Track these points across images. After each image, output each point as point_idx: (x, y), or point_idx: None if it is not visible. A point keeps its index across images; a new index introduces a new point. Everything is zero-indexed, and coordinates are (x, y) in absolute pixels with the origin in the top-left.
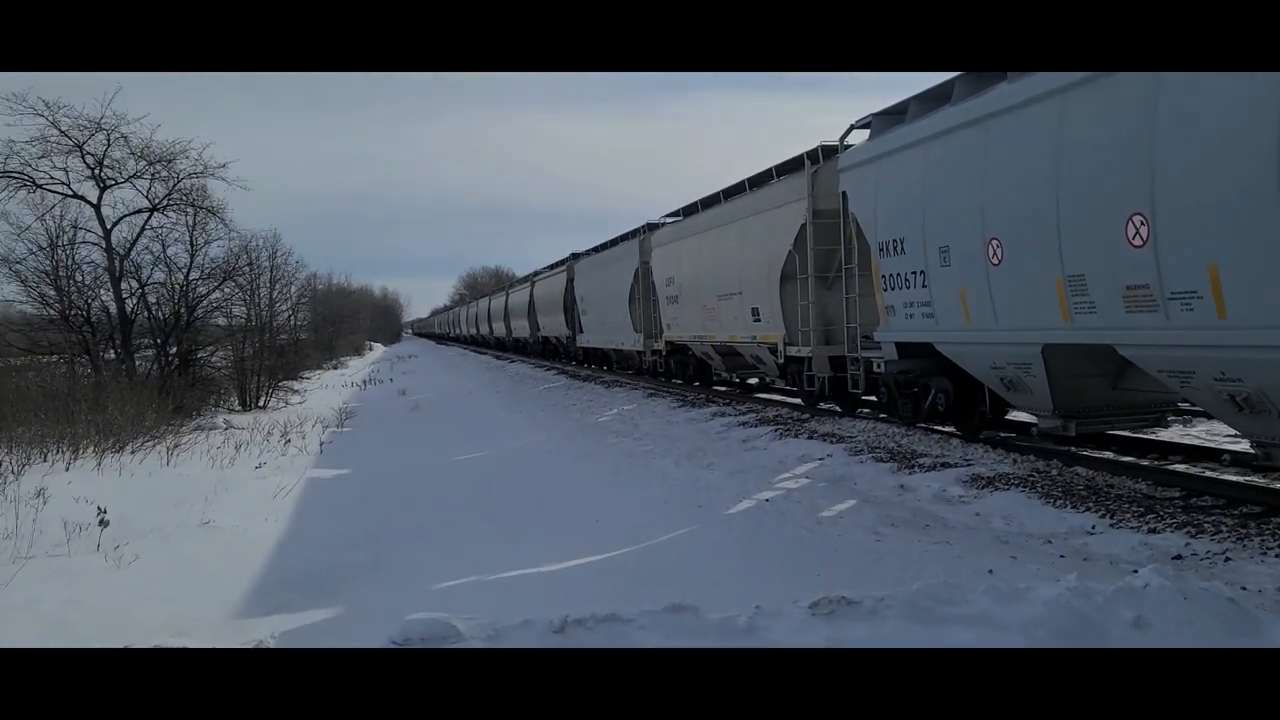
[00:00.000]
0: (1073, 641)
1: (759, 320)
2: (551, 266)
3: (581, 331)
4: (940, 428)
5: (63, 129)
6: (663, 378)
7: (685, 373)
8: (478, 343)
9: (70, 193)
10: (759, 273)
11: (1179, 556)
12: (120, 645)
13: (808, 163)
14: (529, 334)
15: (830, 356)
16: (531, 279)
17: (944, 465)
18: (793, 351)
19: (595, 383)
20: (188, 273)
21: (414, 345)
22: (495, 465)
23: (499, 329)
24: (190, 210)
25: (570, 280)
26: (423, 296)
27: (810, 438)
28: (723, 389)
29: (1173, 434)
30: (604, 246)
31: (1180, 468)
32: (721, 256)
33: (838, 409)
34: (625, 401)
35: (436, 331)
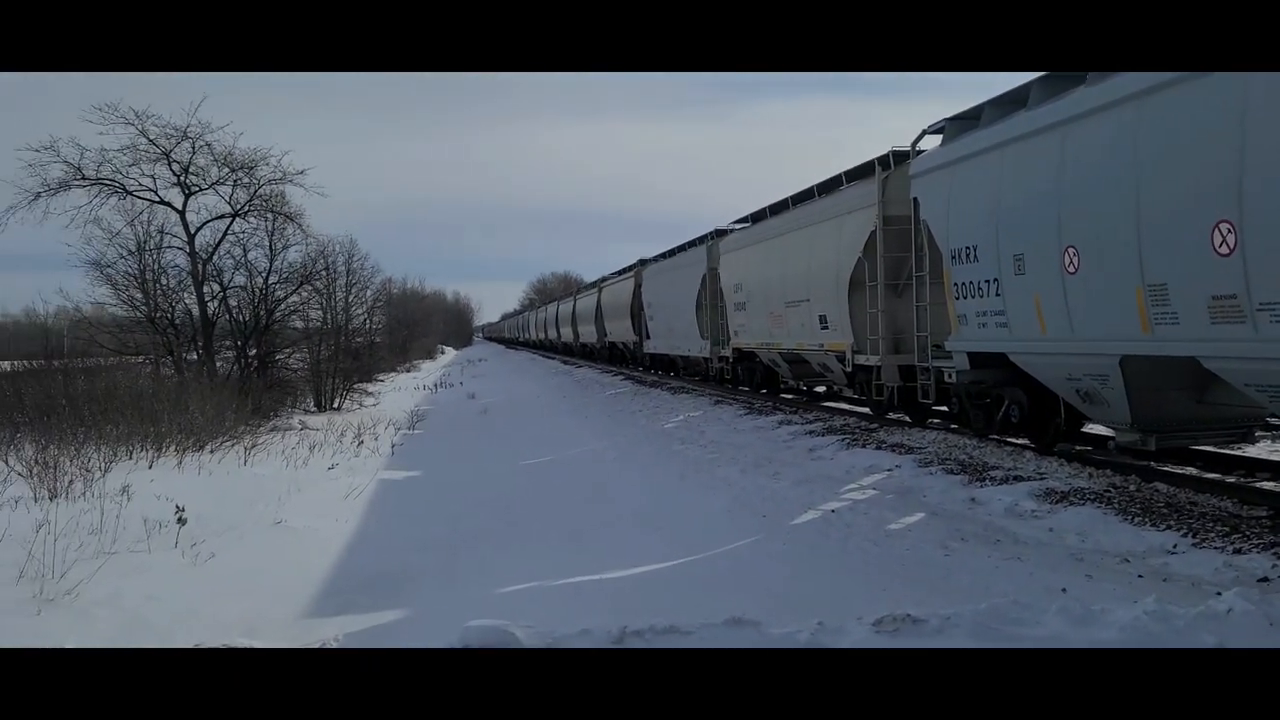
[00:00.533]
0: None
1: (827, 328)
2: (619, 272)
3: (648, 337)
4: (1013, 440)
5: (151, 138)
6: (729, 385)
7: (752, 380)
8: (545, 347)
9: (157, 199)
10: (827, 279)
11: (1265, 579)
12: (193, 643)
13: (878, 168)
14: (596, 339)
15: (899, 365)
16: (599, 285)
17: (1016, 479)
18: (861, 360)
19: (661, 389)
20: (267, 277)
21: (484, 349)
22: (561, 470)
23: (566, 334)
24: (269, 216)
25: (638, 286)
26: (493, 301)
27: (878, 448)
28: (790, 397)
29: (1260, 450)
30: (672, 253)
31: (1268, 485)
32: (790, 263)
33: (907, 419)
34: (691, 408)
35: (506, 336)
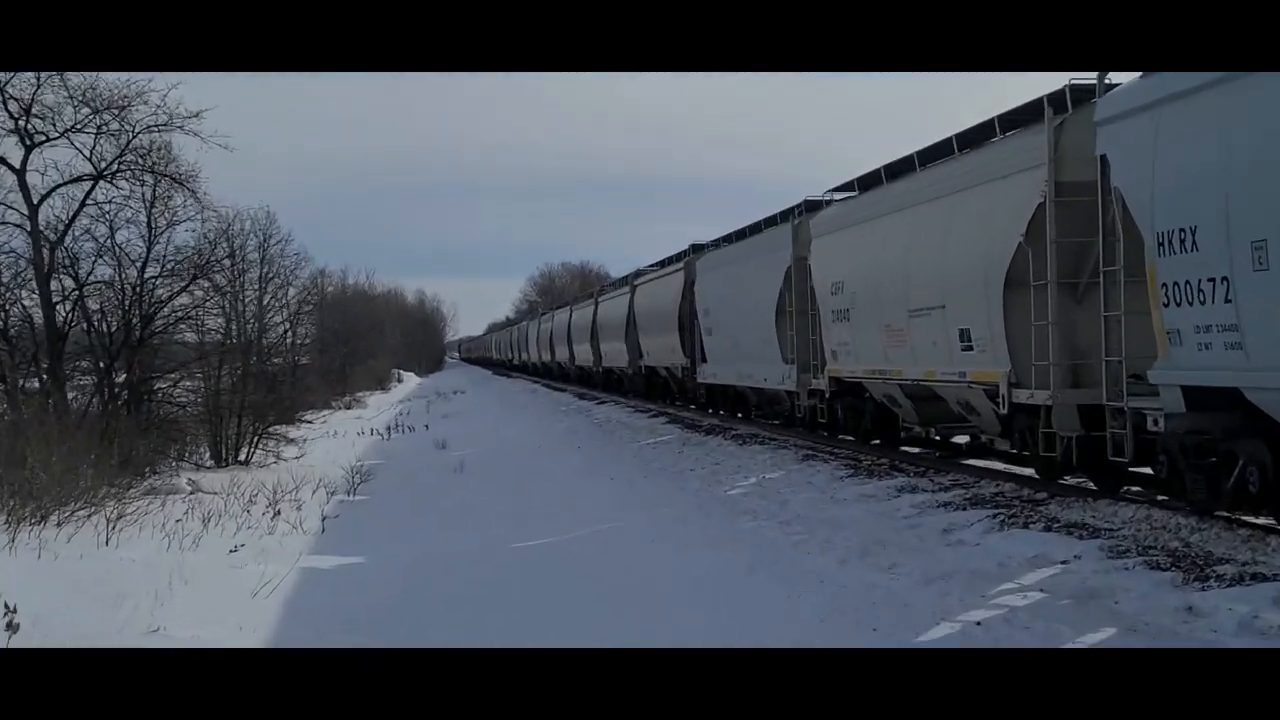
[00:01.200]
0: None
1: (970, 348)
2: (661, 264)
3: (704, 360)
4: (1252, 518)
5: None
6: (825, 431)
7: (859, 424)
8: (551, 374)
9: None
10: (970, 276)
11: None
12: None
13: (1049, 110)
14: (626, 362)
15: (1080, 406)
16: (631, 282)
17: (1256, 577)
18: (1022, 397)
19: (723, 435)
20: (143, 267)
21: (461, 375)
22: (571, 560)
23: (582, 354)
24: (149, 179)
25: (688, 284)
26: (476, 305)
27: (1048, 529)
28: (914, 451)
29: None
30: (741, 234)
31: None
32: (914, 251)
33: (1091, 485)
34: (769, 466)
35: (494, 356)
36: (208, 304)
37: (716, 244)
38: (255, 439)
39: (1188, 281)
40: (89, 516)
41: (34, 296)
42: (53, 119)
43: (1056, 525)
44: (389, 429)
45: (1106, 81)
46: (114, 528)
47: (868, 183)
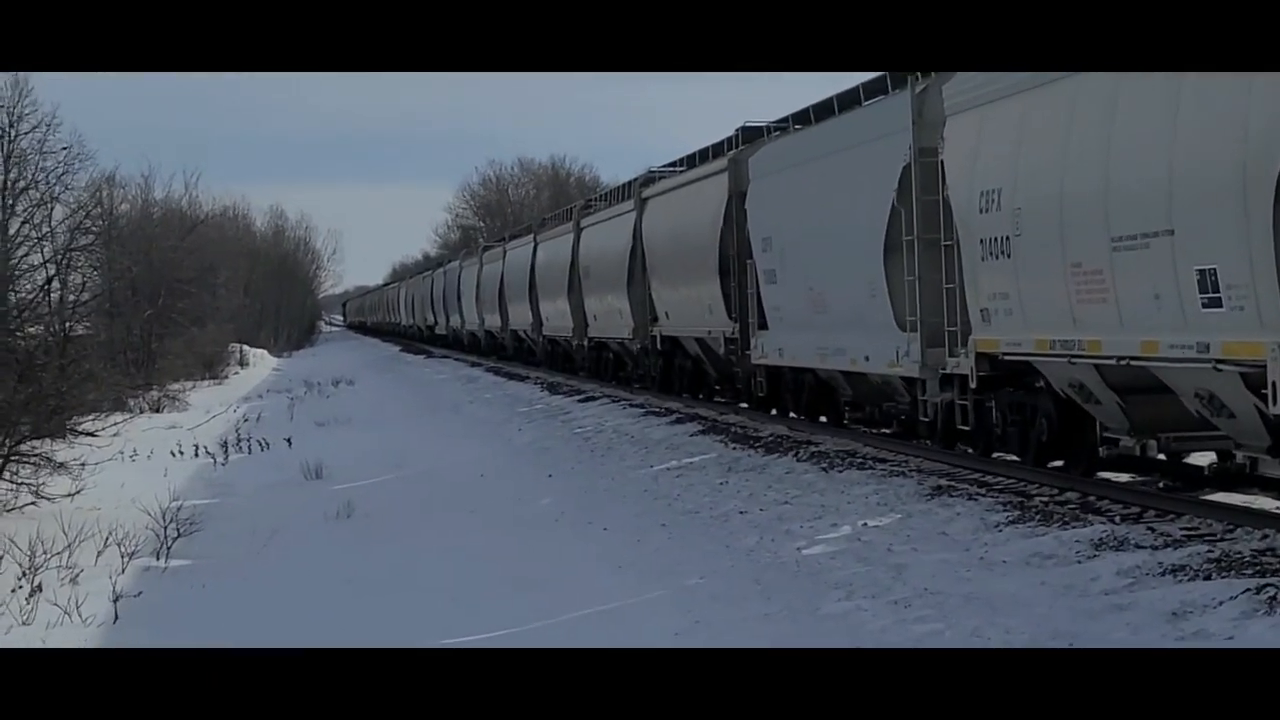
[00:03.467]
0: None
1: (1217, 301)
2: (686, 161)
3: (764, 328)
4: None
5: None
6: (968, 446)
7: (1027, 434)
8: (500, 350)
9: None
10: (1217, 181)
11: None
12: None
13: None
14: (629, 331)
15: None
16: (639, 192)
17: None
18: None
19: (796, 455)
20: None
21: (349, 352)
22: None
23: (555, 318)
24: None
25: (736, 197)
26: (373, 234)
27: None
28: (1121, 478)
29: None
30: (823, 115)
31: None
32: (1118, 141)
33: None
34: (873, 508)
35: (404, 321)
36: None
37: (783, 128)
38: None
39: None
40: None
41: None
42: None
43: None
44: (225, 446)
45: None
46: None
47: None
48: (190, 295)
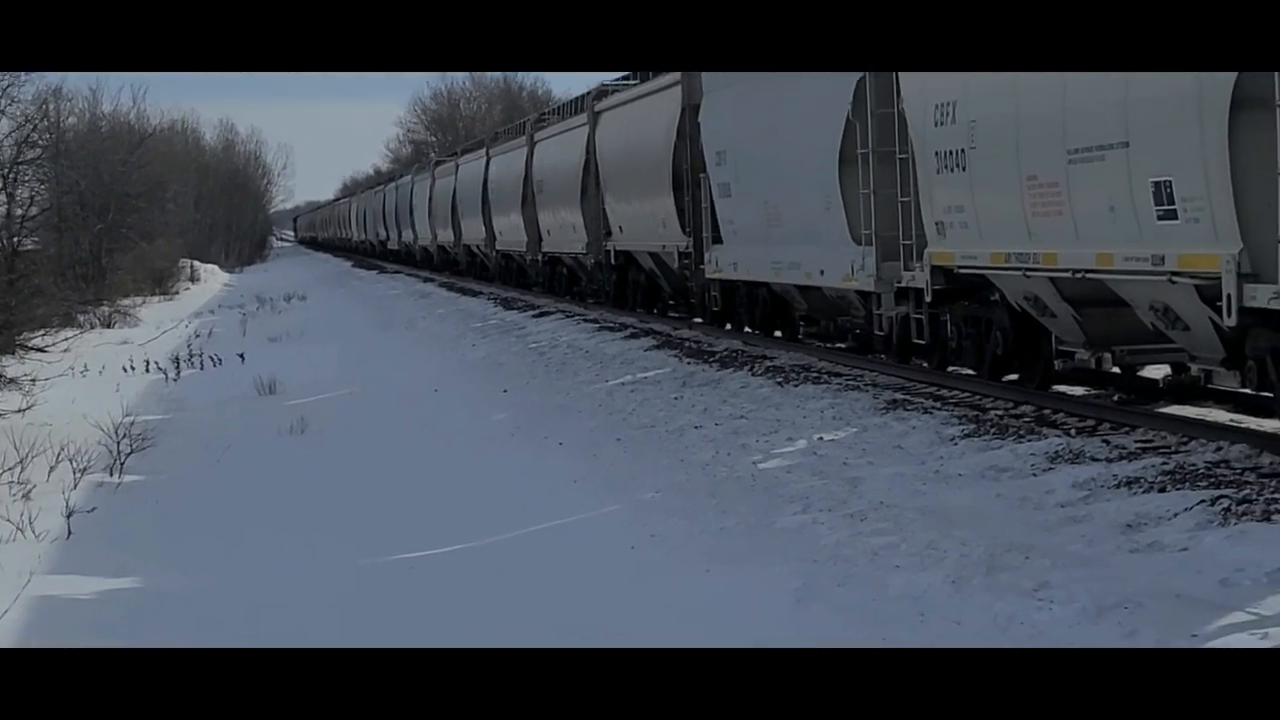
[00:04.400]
0: None
1: (1172, 214)
2: (639, 77)
3: (718, 241)
4: None
5: None
6: (923, 360)
7: (983, 348)
8: (453, 265)
9: None
10: (1173, 96)
11: None
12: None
13: None
14: (584, 245)
15: None
16: (592, 107)
17: None
18: (1262, 298)
19: (751, 369)
20: None
21: (301, 268)
22: (492, 588)
23: (509, 232)
24: None
25: (689, 110)
26: (325, 149)
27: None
28: (1077, 391)
29: None
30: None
31: None
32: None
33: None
34: (829, 421)
35: (355, 236)
36: None
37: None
38: None
39: None
40: None
41: None
42: None
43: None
44: (177, 361)
45: None
46: None
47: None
48: (140, 210)
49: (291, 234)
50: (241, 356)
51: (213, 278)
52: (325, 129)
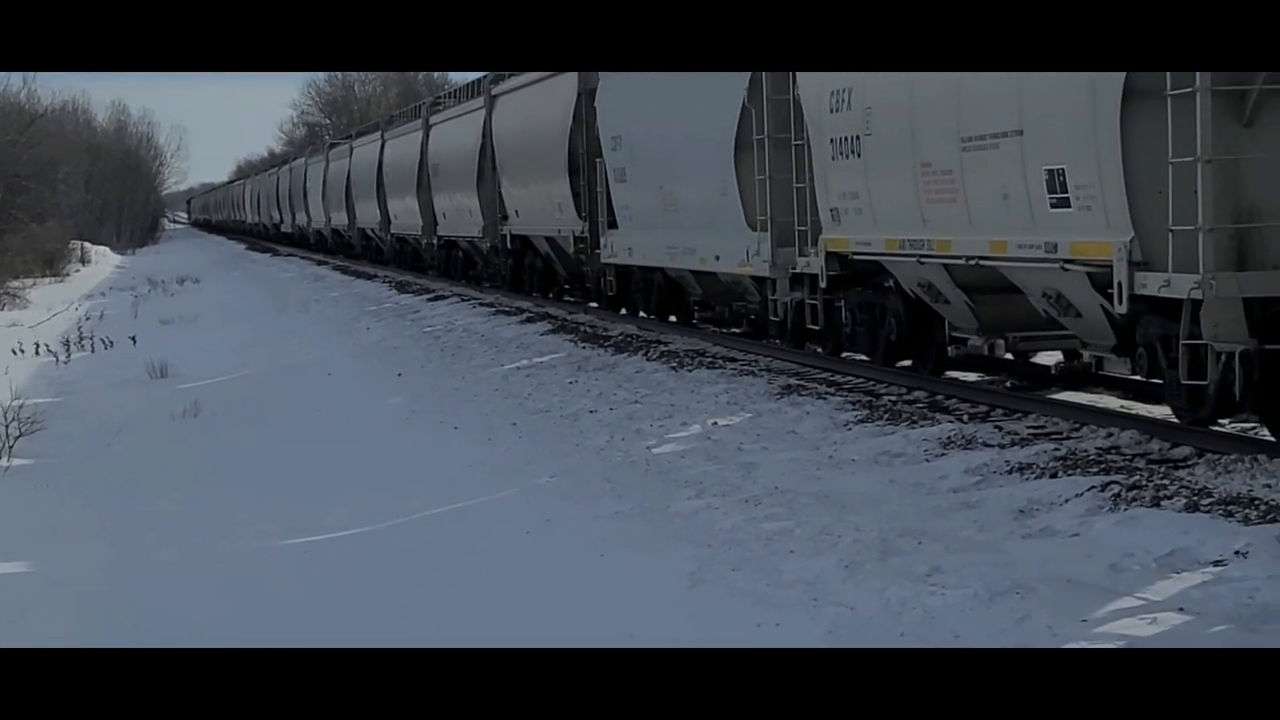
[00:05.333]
0: None
1: (1065, 202)
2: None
3: (614, 227)
4: None
5: None
6: (818, 345)
7: (876, 334)
8: (347, 249)
9: None
10: (1068, 85)
11: None
12: None
13: None
14: (480, 229)
15: (1253, 301)
16: (488, 89)
17: None
18: (1152, 286)
19: (646, 354)
20: None
21: (195, 250)
22: (385, 573)
23: (404, 216)
24: None
25: (586, 96)
26: (218, 131)
27: (1192, 507)
28: (971, 377)
29: None
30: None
31: None
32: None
33: (1266, 434)
34: (724, 406)
35: (250, 219)
36: None
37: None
38: None
39: None
40: None
41: None
42: None
43: (1207, 501)
44: (67, 344)
45: None
46: None
47: None
48: (29, 191)
49: (185, 216)
50: (133, 339)
51: (104, 260)
52: (219, 111)
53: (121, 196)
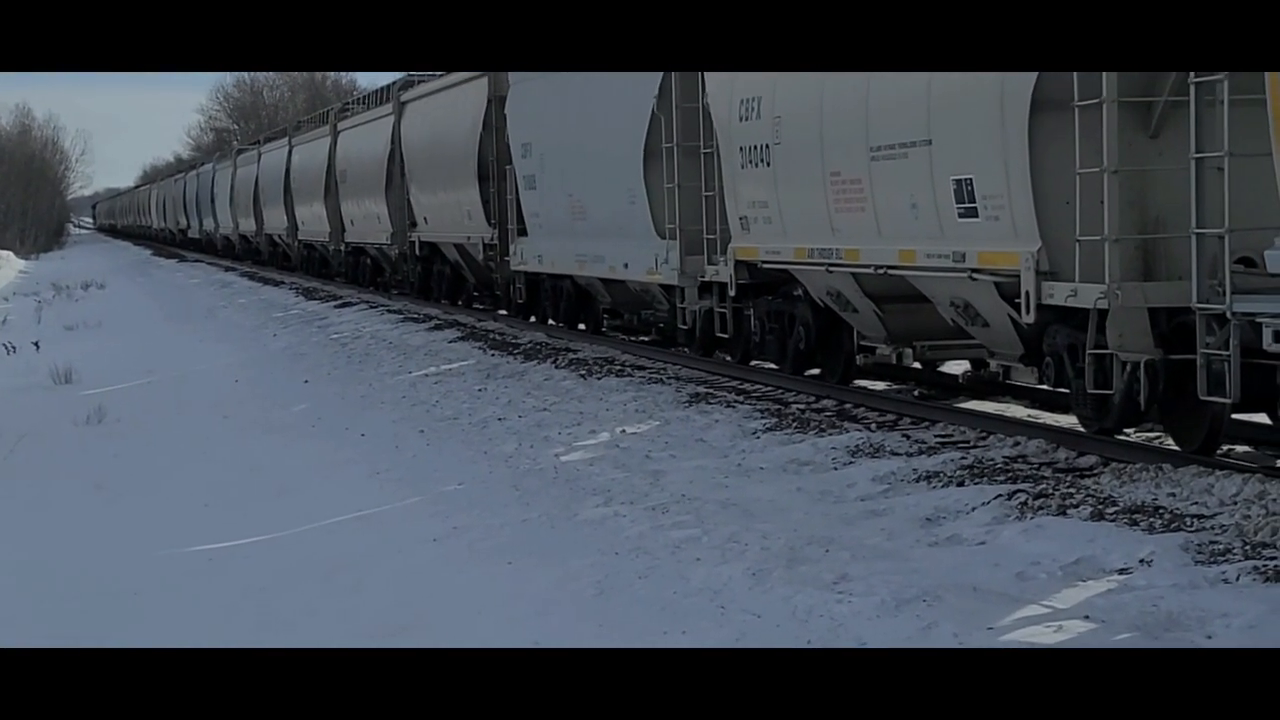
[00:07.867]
0: None
1: (973, 211)
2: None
3: (523, 235)
4: None
5: None
6: (727, 354)
7: (785, 343)
8: (255, 255)
9: None
10: (976, 92)
11: None
12: None
13: None
14: (388, 235)
15: (1157, 311)
16: (397, 95)
17: None
18: (1059, 295)
19: (554, 361)
20: None
21: (99, 256)
22: (287, 584)
23: (311, 222)
24: None
25: (496, 102)
26: (125, 135)
27: (1098, 515)
28: (878, 386)
29: None
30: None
31: None
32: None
33: (1170, 443)
34: (632, 414)
35: (155, 224)
36: None
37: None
38: None
39: None
40: None
41: None
42: None
43: (1113, 510)
44: None
45: None
46: None
47: None
48: None
49: (90, 221)
50: (36, 345)
51: (7, 264)
52: (126, 115)
53: (25, 201)
